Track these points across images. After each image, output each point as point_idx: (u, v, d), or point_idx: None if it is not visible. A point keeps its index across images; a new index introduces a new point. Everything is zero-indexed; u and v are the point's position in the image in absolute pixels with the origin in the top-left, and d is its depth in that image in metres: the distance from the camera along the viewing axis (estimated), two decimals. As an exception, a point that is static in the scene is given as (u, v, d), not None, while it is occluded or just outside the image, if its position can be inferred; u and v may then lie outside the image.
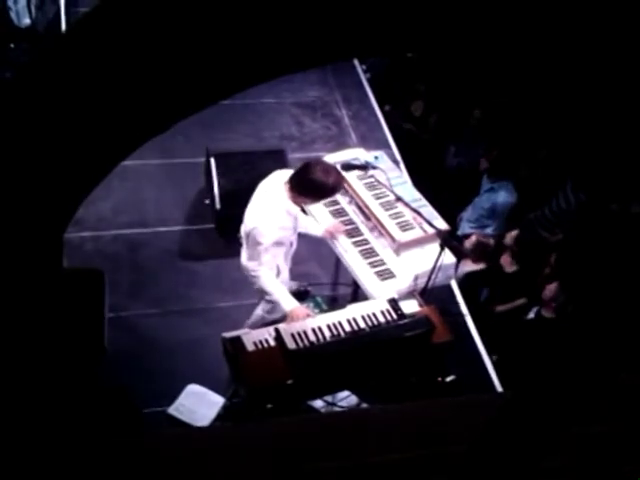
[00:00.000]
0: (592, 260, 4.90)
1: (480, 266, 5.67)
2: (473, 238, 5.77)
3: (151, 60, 2.12)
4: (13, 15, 6.55)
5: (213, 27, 2.03)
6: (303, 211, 4.46)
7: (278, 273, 4.26)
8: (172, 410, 4.36)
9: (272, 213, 4.01)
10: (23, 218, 2.31)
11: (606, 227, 5.14)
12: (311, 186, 3.96)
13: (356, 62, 7.84)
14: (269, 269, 4.12)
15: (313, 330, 3.88)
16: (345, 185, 4.81)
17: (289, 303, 4.08)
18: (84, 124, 2.21)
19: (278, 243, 4.11)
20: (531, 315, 5.09)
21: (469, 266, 5.67)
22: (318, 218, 4.72)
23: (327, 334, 3.88)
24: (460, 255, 4.65)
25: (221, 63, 2.26)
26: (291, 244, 4.33)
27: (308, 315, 4.03)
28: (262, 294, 4.34)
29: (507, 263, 5.53)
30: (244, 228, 4.13)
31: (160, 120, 2.54)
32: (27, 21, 6.60)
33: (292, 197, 4.03)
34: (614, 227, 5.05)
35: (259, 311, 4.47)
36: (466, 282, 5.54)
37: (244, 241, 4.22)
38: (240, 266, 4.34)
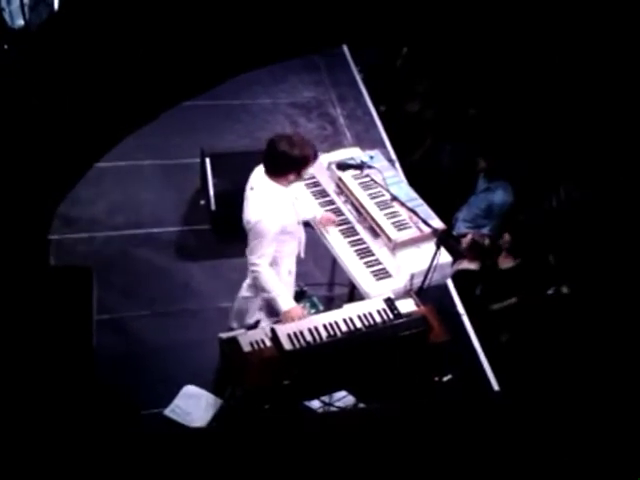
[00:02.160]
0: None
1: (474, 265, 5.67)
2: (468, 237, 5.79)
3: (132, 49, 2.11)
4: (6, 16, 6.51)
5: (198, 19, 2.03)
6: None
7: (289, 274, 4.26)
8: (168, 412, 4.35)
9: (268, 202, 3.98)
10: (5, 217, 2.31)
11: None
12: (280, 162, 3.93)
13: (350, 61, 7.84)
14: (274, 265, 4.08)
15: (309, 330, 3.87)
16: (340, 184, 4.81)
17: (286, 303, 4.06)
18: (60, 120, 2.20)
19: (285, 232, 4.07)
20: (550, 292, 5.10)
21: (463, 264, 5.68)
22: (310, 207, 4.73)
23: (323, 334, 3.87)
24: (456, 254, 4.65)
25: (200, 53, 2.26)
26: (299, 240, 4.28)
27: (304, 316, 4.01)
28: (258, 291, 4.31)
29: (503, 261, 5.55)
30: (245, 226, 4.08)
31: (141, 112, 2.54)
32: (21, 22, 6.56)
33: (275, 180, 4.00)
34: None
35: (257, 313, 4.41)
36: (459, 280, 5.54)
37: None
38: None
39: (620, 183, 5.02)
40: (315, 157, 4.08)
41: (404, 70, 7.80)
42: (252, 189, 4.09)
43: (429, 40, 7.49)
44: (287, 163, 3.93)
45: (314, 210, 4.65)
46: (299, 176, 4.07)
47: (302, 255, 4.38)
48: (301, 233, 4.31)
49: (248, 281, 4.35)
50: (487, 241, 5.72)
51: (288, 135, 4.12)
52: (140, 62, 2.56)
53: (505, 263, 5.55)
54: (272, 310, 4.30)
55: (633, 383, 2.90)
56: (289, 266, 4.27)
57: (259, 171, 4.09)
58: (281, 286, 4.14)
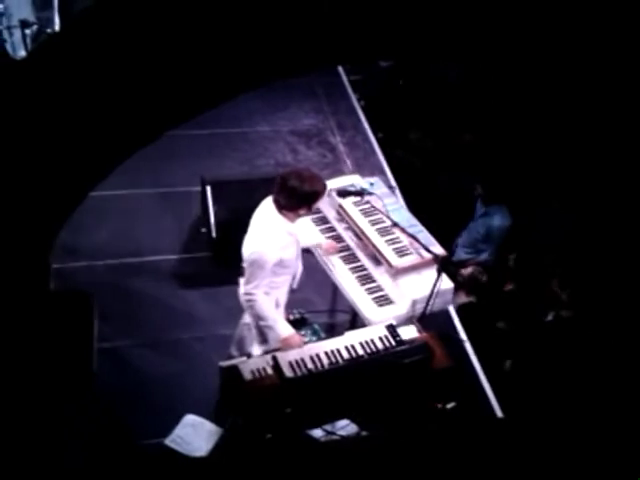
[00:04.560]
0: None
1: (472, 298, 5.66)
2: (469, 270, 5.78)
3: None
4: (8, 47, 6.58)
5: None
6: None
7: (277, 306, 4.23)
8: (169, 441, 4.30)
9: (271, 234, 3.99)
10: (6, 241, 2.31)
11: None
12: (291, 198, 3.94)
13: (349, 90, 7.92)
14: (265, 294, 4.08)
15: (311, 358, 3.84)
16: (341, 211, 4.82)
17: (284, 330, 4.04)
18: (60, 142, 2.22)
19: (282, 266, 4.06)
20: (549, 318, 5.07)
21: (462, 298, 5.68)
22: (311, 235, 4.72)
23: (325, 362, 3.84)
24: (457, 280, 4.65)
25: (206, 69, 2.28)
26: (295, 271, 4.26)
27: (303, 342, 3.99)
28: (256, 321, 4.30)
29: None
30: (245, 255, 4.09)
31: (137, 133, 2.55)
32: (22, 53, 6.63)
33: (285, 215, 4.01)
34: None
35: (257, 350, 4.39)
36: (460, 314, 5.52)
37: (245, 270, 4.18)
38: (239, 296, 4.32)
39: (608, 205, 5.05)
40: (325, 191, 4.08)
41: (402, 100, 7.90)
42: (259, 218, 4.10)
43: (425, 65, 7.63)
44: (297, 198, 3.94)
45: (317, 238, 4.63)
46: (309, 210, 4.09)
47: (294, 286, 4.36)
48: (297, 268, 4.30)
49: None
50: (485, 277, 5.71)
51: (297, 170, 4.12)
52: (136, 85, 2.58)
53: (508, 285, 5.56)
54: (264, 339, 4.30)
55: (635, 405, 2.88)
56: (278, 297, 4.24)
57: (268, 202, 4.10)
58: (277, 313, 4.12)
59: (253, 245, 4.01)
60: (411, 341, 3.99)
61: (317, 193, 3.98)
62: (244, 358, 3.98)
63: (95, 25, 2.48)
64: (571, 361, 4.61)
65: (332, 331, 5.04)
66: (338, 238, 4.77)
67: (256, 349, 4.33)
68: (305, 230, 4.56)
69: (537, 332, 5.12)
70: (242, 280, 4.24)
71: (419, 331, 4.10)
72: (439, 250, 4.47)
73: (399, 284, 4.43)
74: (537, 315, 5.22)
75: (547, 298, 5.24)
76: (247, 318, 4.38)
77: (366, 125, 7.42)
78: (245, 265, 4.10)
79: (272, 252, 3.96)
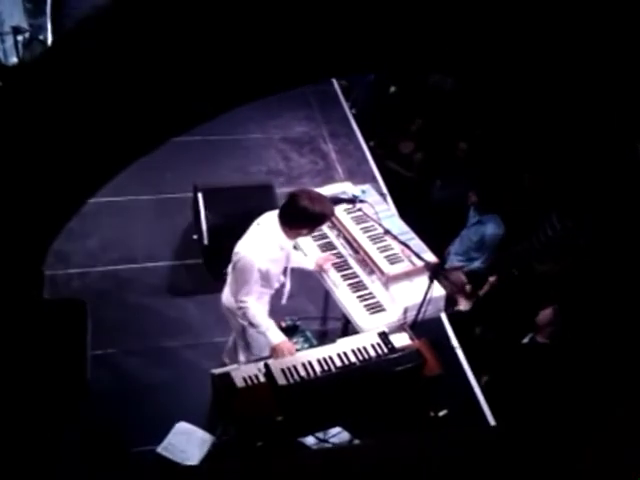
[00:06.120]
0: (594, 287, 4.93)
1: (463, 305, 5.63)
2: (452, 276, 5.73)
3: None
4: (0, 54, 6.59)
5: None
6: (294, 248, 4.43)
7: None
8: (161, 449, 4.29)
9: (264, 244, 4.00)
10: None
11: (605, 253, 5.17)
12: (299, 216, 3.96)
13: (342, 98, 7.96)
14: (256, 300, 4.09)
15: (303, 365, 3.85)
16: (333, 219, 4.82)
17: (276, 337, 4.05)
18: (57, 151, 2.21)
19: (266, 278, 4.08)
20: (525, 340, 5.08)
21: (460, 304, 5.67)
22: (307, 252, 4.71)
23: (317, 369, 3.84)
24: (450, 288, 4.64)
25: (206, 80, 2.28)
26: (278, 285, 4.27)
27: (294, 349, 4.00)
28: (243, 333, 4.30)
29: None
30: (233, 258, 4.10)
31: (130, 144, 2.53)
32: (14, 60, 6.63)
33: (286, 232, 4.03)
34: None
35: (241, 357, 4.40)
36: (455, 319, 5.53)
37: (230, 276, 4.19)
38: (221, 304, 4.32)
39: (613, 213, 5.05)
40: (332, 215, 4.13)
41: (393, 108, 7.93)
42: (258, 225, 4.11)
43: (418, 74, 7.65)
44: (305, 218, 3.97)
45: (310, 260, 4.62)
46: (311, 232, 4.14)
47: (283, 301, 4.38)
48: (285, 284, 4.31)
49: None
50: (468, 287, 5.68)
51: (308, 191, 4.17)
52: (133, 96, 2.59)
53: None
54: (247, 347, 4.32)
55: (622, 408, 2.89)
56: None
57: (272, 214, 4.11)
58: (269, 320, 4.13)
59: (243, 248, 4.02)
60: (403, 348, 3.99)
61: (325, 216, 4.03)
62: (236, 365, 3.97)
63: (90, 34, 2.48)
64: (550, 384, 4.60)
65: (324, 338, 5.05)
66: (330, 245, 4.78)
67: (241, 356, 4.34)
68: (301, 254, 4.57)
69: (514, 352, 5.12)
70: (226, 287, 4.25)
71: (411, 338, 4.11)
72: (431, 257, 4.49)
73: (391, 291, 4.44)
74: (516, 335, 5.21)
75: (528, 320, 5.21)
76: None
77: (358, 133, 7.45)
78: (233, 271, 4.10)
79: (261, 261, 3.97)
